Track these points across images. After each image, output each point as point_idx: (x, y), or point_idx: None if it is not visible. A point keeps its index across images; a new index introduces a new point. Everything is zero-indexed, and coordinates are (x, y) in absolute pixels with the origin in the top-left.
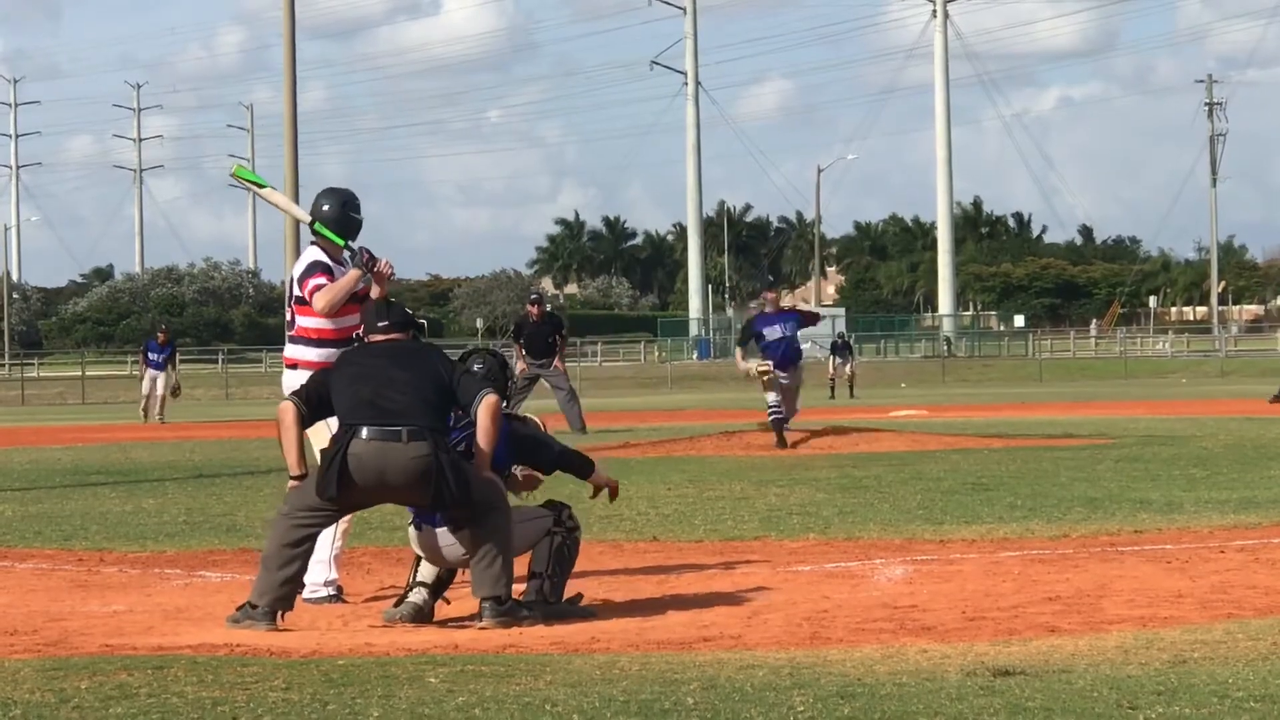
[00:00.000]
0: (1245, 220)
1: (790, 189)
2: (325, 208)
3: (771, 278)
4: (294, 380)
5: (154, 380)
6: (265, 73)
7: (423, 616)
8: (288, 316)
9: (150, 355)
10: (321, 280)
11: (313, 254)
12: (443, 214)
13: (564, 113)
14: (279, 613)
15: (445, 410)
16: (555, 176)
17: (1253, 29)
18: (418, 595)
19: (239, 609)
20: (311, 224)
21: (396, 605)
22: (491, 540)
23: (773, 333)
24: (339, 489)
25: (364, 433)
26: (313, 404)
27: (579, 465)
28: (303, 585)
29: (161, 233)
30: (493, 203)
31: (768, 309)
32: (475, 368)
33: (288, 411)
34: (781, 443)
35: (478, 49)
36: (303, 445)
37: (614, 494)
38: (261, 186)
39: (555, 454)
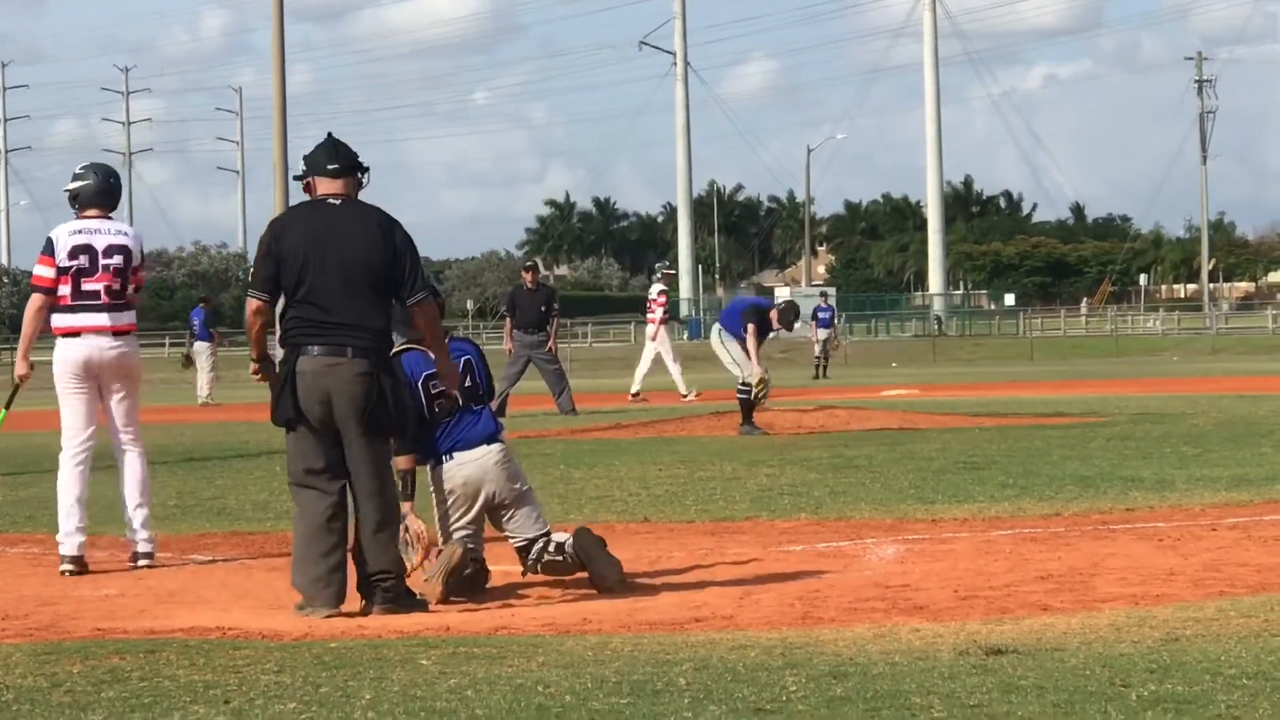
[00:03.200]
0: (1234, 197)
1: (780, 168)
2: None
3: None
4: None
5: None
6: (250, 55)
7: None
8: (124, 285)
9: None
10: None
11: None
12: (431, 196)
13: (552, 94)
14: (338, 602)
15: (388, 301)
16: (544, 158)
17: (1239, 6)
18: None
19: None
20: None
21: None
22: (388, 518)
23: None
24: (295, 411)
25: (313, 349)
26: (274, 291)
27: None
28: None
29: (150, 216)
30: (481, 184)
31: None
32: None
33: (251, 308)
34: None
35: (464, 31)
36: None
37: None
38: None
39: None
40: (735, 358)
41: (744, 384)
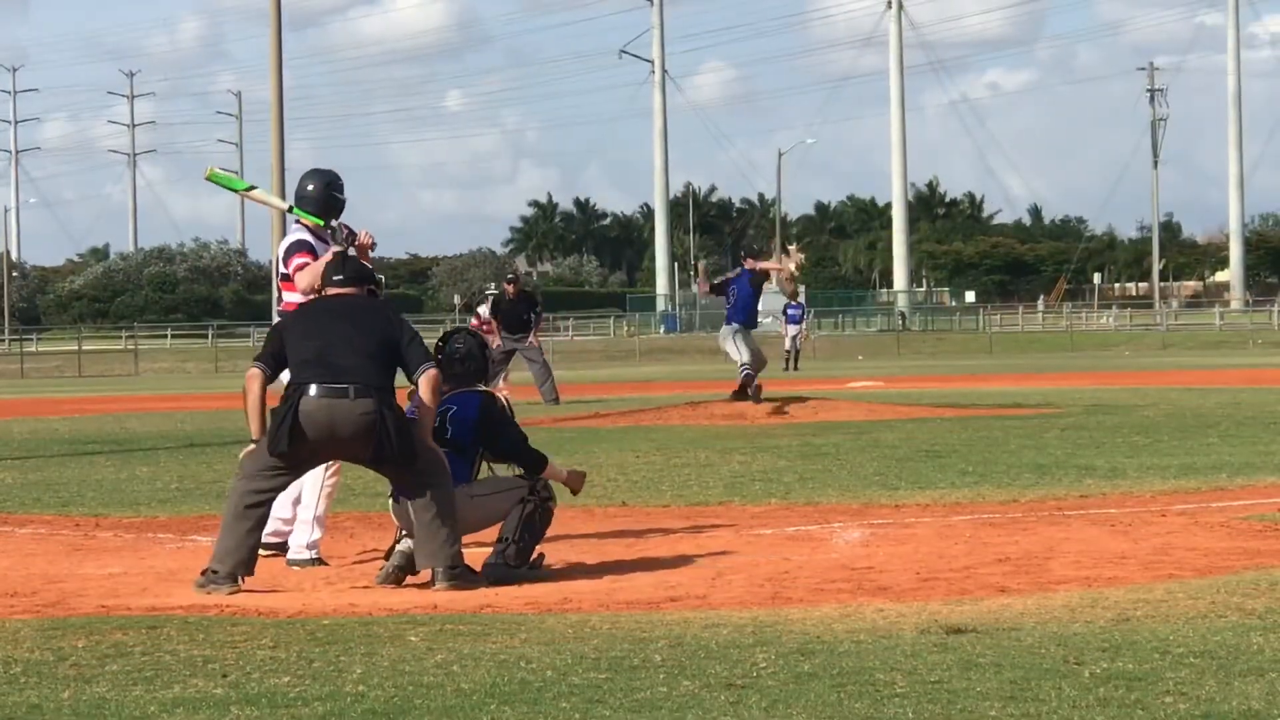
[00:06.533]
0: (1183, 200)
1: (752, 170)
2: (309, 188)
3: (743, 253)
4: None
5: None
6: (227, 62)
7: (400, 578)
8: (275, 293)
9: None
10: (304, 260)
11: (297, 233)
12: (418, 198)
13: (534, 100)
14: (240, 576)
15: (391, 366)
16: (526, 161)
17: (1185, 20)
18: (399, 559)
19: (203, 573)
20: (290, 208)
21: (385, 566)
22: (434, 511)
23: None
24: (290, 444)
25: (312, 390)
26: (275, 363)
27: (532, 461)
28: (286, 548)
29: (154, 213)
30: (467, 186)
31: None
32: (456, 348)
33: (255, 379)
34: (750, 395)
35: (453, 39)
36: (264, 410)
37: (576, 489)
38: (237, 189)
39: (515, 440)
40: (743, 346)
41: (745, 364)
